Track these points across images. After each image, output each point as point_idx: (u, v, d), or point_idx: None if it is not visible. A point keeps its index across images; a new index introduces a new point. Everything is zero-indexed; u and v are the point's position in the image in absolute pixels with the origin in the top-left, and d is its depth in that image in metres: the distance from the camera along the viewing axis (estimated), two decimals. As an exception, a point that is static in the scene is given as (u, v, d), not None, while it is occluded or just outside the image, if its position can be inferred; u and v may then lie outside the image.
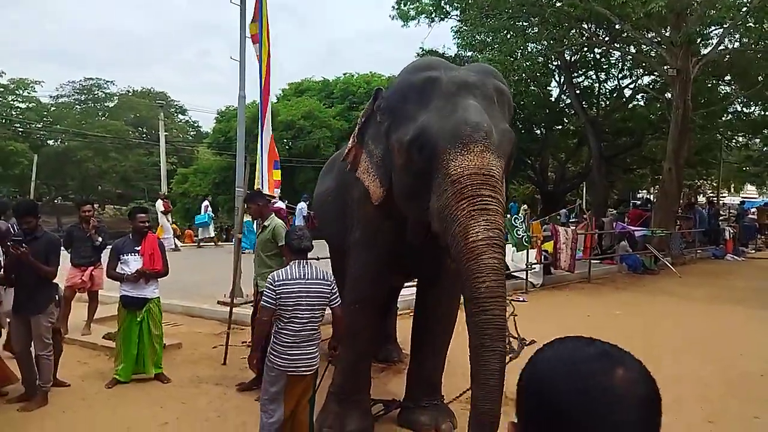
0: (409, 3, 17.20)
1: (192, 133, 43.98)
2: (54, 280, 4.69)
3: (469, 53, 17.91)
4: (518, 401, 0.79)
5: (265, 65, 7.22)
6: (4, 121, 33.25)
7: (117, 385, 4.97)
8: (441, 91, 3.20)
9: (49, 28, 70.41)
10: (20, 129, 34.07)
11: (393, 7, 17.49)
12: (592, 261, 11.05)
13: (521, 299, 8.79)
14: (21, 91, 34.26)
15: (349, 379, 4.04)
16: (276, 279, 3.38)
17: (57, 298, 4.79)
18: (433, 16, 17.18)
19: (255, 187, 7.18)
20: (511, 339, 6.32)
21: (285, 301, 3.32)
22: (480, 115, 3.04)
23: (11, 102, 34.38)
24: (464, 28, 16.60)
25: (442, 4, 17.01)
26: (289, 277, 3.36)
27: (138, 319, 5.06)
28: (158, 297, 5.21)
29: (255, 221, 4.89)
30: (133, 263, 5.08)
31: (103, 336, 6.20)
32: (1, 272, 4.61)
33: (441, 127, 3.05)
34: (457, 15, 17.46)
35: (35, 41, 67.36)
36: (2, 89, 33.48)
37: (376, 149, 3.59)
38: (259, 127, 7.35)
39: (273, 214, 5.33)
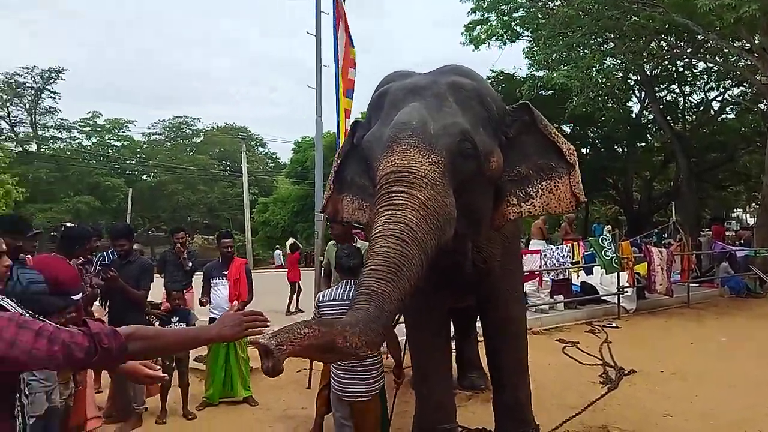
0: (479, 27, 17.14)
1: (271, 164, 45.93)
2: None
3: (542, 72, 17.51)
4: None
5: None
6: (101, 158, 36.15)
7: (207, 407, 5.08)
8: (389, 101, 3.12)
9: (142, 69, 76.70)
10: (116, 165, 36.94)
11: (462, 33, 17.52)
12: (690, 284, 10.26)
13: (613, 325, 8.27)
14: (116, 131, 37.22)
15: (427, 409, 3.82)
16: (321, 299, 3.32)
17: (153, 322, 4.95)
18: (504, 38, 17.03)
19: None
20: (608, 368, 5.93)
21: None
22: (411, 114, 2.86)
23: (108, 140, 37.42)
24: (535, 48, 16.24)
25: (513, 26, 16.80)
26: (333, 298, 3.27)
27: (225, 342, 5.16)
28: (245, 320, 5.28)
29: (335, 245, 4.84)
30: (221, 286, 5.23)
31: (194, 359, 6.37)
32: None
33: (378, 136, 2.95)
34: (528, 36, 17.20)
35: (130, 82, 73.74)
36: (100, 129, 36.52)
37: (368, 182, 3.36)
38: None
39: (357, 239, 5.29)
